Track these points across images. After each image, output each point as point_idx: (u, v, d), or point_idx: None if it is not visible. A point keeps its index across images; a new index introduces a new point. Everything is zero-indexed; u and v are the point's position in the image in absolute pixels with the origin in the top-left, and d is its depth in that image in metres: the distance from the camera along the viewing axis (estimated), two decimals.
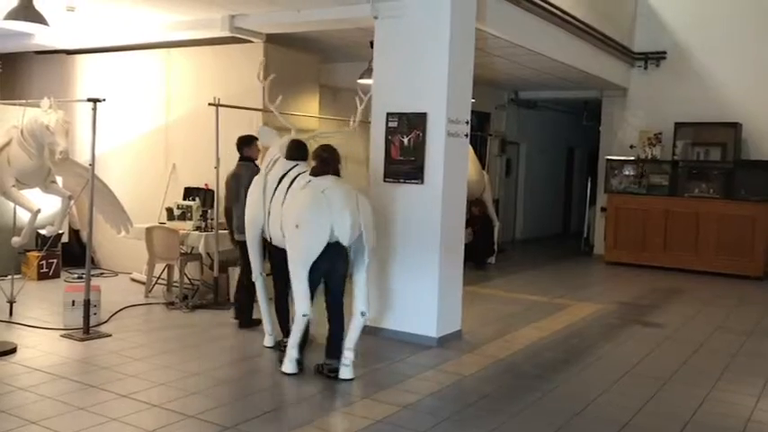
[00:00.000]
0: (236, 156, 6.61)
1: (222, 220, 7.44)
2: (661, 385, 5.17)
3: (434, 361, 5.58)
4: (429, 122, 5.96)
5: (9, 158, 6.47)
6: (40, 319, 6.39)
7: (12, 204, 6.86)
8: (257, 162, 6.44)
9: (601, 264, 11.66)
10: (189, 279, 7.70)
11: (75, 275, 8.39)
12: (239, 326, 6.39)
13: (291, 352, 5.07)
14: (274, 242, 5.33)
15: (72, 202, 6.91)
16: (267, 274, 5.72)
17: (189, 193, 8.11)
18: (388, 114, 6.16)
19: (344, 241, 4.82)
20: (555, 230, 16.02)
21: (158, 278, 7.86)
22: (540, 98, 13.92)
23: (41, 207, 6.70)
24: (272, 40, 7.79)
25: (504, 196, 13.90)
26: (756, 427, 4.45)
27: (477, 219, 10.49)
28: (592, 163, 14.02)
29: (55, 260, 8.36)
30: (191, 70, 8.43)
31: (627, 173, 11.74)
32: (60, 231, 7.84)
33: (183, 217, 7.77)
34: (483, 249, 10.59)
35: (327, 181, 4.94)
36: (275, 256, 5.44)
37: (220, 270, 7.35)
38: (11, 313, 6.41)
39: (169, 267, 7.79)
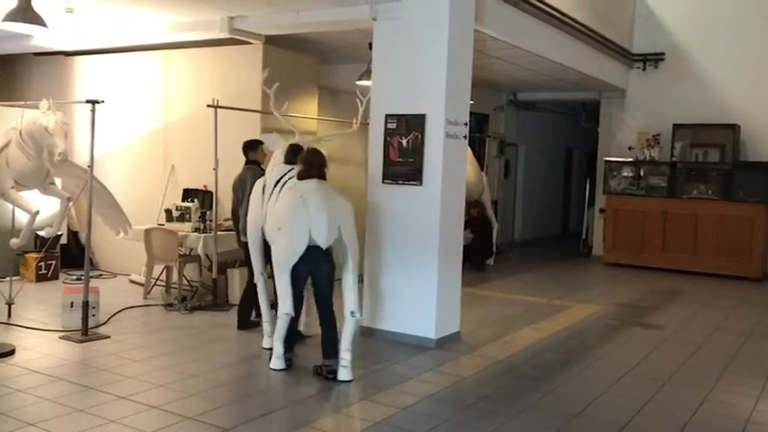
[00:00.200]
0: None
1: (220, 221, 7.48)
2: (660, 386, 5.17)
3: (433, 362, 5.58)
4: (428, 124, 5.96)
5: (8, 160, 6.46)
6: (39, 320, 6.38)
7: (10, 206, 6.85)
8: (263, 165, 6.49)
9: (599, 265, 11.67)
10: (188, 280, 7.70)
11: (74, 277, 8.38)
12: (238, 327, 6.40)
13: (278, 347, 5.17)
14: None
15: (71, 203, 6.90)
16: (269, 276, 5.73)
17: (188, 194, 8.11)
18: (387, 116, 6.16)
19: (321, 243, 4.92)
20: (554, 232, 16.02)
21: (157, 280, 7.85)
22: (539, 100, 13.92)
23: (40, 208, 6.69)
24: (271, 41, 7.79)
25: (503, 198, 13.90)
26: (755, 428, 4.45)
27: (475, 220, 10.50)
28: (590, 164, 14.03)
29: (53, 262, 8.35)
30: (189, 72, 8.43)
31: (625, 174, 11.74)
32: (59, 233, 7.83)
33: (181, 218, 7.79)
34: (482, 251, 10.60)
35: (310, 184, 5.04)
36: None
37: (219, 272, 7.34)
38: (9, 315, 6.40)
39: (168, 269, 7.78)
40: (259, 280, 5.79)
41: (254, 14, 7.26)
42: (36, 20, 5.54)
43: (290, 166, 5.44)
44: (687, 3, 11.75)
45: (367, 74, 7.43)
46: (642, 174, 11.61)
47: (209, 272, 7.44)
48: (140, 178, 8.69)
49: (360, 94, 6.16)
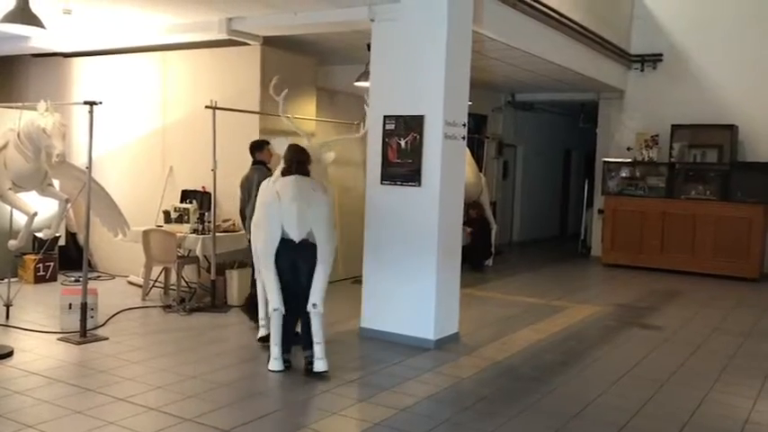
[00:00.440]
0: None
1: (219, 223, 7.48)
2: (659, 387, 5.18)
3: (432, 363, 5.58)
4: (426, 125, 5.96)
5: (5, 161, 6.45)
6: (37, 322, 6.37)
7: (8, 207, 6.85)
8: (269, 165, 6.57)
9: (598, 266, 11.67)
10: (186, 282, 7.70)
11: (72, 278, 8.37)
12: (250, 318, 6.49)
13: (274, 349, 5.20)
14: None
15: (69, 205, 6.89)
16: None
17: (186, 195, 8.11)
18: (385, 117, 6.16)
19: (294, 237, 5.03)
20: (552, 233, 16.02)
21: (155, 281, 7.85)
22: (537, 100, 13.93)
23: (38, 210, 6.68)
24: (268, 42, 7.79)
25: (502, 198, 13.90)
26: (754, 429, 4.45)
27: (474, 221, 10.49)
28: (589, 165, 14.03)
29: (52, 263, 8.34)
30: (187, 73, 8.43)
31: (624, 175, 11.76)
32: (57, 234, 7.81)
33: (180, 220, 7.77)
34: (480, 252, 10.59)
35: (287, 180, 5.18)
36: None
37: (218, 273, 7.33)
38: (7, 316, 6.40)
39: (166, 270, 7.78)
40: (258, 277, 5.82)
41: (251, 16, 7.26)
42: (34, 21, 5.53)
43: None
44: (685, 3, 11.77)
45: (365, 75, 7.44)
46: (640, 174, 11.62)
47: (208, 273, 7.44)
48: (138, 179, 8.69)
49: (367, 98, 6.21)
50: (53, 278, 8.33)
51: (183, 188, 8.21)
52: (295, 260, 5.14)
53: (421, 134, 5.98)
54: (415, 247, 6.05)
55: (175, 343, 5.95)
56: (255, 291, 6.14)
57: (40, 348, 5.61)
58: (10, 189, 6.53)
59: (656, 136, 11.49)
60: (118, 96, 8.62)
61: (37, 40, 8.19)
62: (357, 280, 7.06)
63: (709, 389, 5.19)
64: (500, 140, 13.60)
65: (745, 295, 9.44)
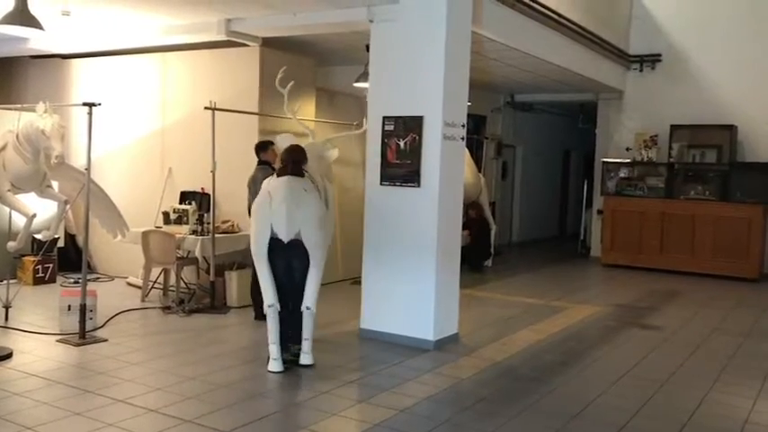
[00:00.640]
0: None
1: (218, 224, 7.48)
2: (659, 387, 5.17)
3: (431, 364, 5.57)
4: (425, 125, 5.96)
5: (4, 163, 6.44)
6: (36, 324, 6.37)
7: (7, 209, 6.84)
8: (274, 165, 6.60)
9: (597, 266, 11.67)
10: (185, 283, 7.69)
11: (72, 280, 8.36)
12: (255, 318, 6.64)
13: (272, 349, 5.20)
14: None
15: (68, 206, 6.88)
16: None
17: (185, 196, 8.10)
18: (385, 117, 6.16)
19: (282, 237, 5.10)
20: (551, 233, 16.03)
21: (155, 282, 7.84)
22: (536, 101, 13.94)
23: (37, 212, 6.68)
24: (268, 43, 7.79)
25: (501, 199, 13.90)
26: (754, 429, 4.45)
27: (473, 222, 10.49)
28: (588, 165, 14.04)
29: (51, 265, 8.34)
30: (187, 74, 8.42)
31: (623, 175, 11.76)
32: (56, 236, 7.80)
33: (179, 221, 7.77)
34: (480, 252, 10.59)
35: (280, 180, 5.25)
36: None
37: (217, 274, 7.33)
38: (6, 318, 6.39)
39: (165, 271, 7.77)
40: None
41: (250, 17, 7.26)
42: (32, 23, 5.52)
43: None
44: (683, 4, 11.77)
45: (364, 76, 7.44)
46: (639, 175, 11.63)
47: (207, 274, 7.43)
48: (137, 181, 8.68)
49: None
50: (52, 280, 8.32)
51: (183, 189, 8.20)
52: (290, 260, 5.22)
53: (420, 135, 5.98)
54: (415, 247, 6.04)
55: (175, 344, 5.94)
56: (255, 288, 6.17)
57: (39, 350, 5.60)
58: (9, 190, 6.53)
59: (656, 136, 11.50)
60: (117, 98, 8.61)
61: (36, 41, 8.18)
62: (356, 281, 7.06)
63: (709, 389, 5.19)
64: (499, 141, 13.60)
65: (745, 295, 9.44)
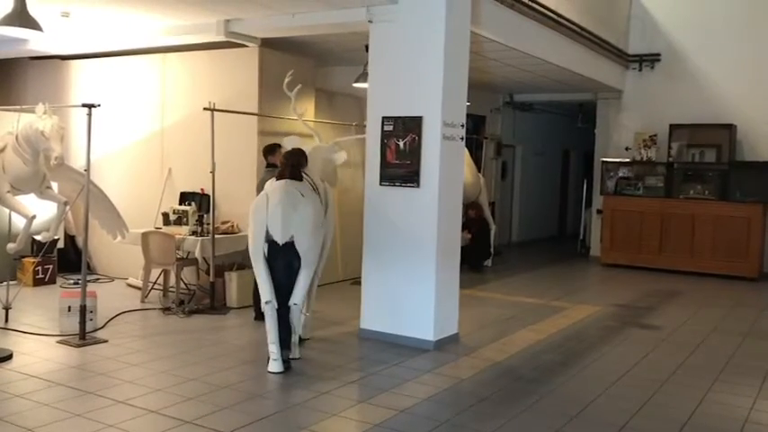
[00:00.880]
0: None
1: (218, 224, 7.48)
2: (658, 387, 5.18)
3: (431, 364, 5.58)
4: (424, 126, 5.97)
5: (4, 164, 6.44)
6: (36, 325, 6.37)
7: (7, 210, 6.84)
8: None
9: (597, 266, 11.67)
10: (185, 284, 7.69)
11: (72, 281, 8.36)
12: (255, 318, 6.66)
13: (272, 348, 5.22)
14: None
15: (67, 207, 6.88)
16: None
17: (185, 197, 8.10)
18: (384, 118, 6.16)
19: (278, 239, 5.15)
20: (551, 233, 16.03)
21: (154, 283, 7.84)
22: (536, 101, 13.94)
23: (37, 213, 6.68)
24: (267, 44, 7.79)
25: (500, 199, 13.91)
26: (754, 428, 4.45)
27: (473, 222, 10.49)
28: (587, 165, 14.04)
29: (51, 266, 8.34)
30: (186, 75, 8.42)
31: (622, 175, 11.76)
32: (56, 237, 7.81)
33: (178, 222, 7.77)
34: (479, 252, 10.60)
35: (279, 184, 5.29)
36: None
37: (217, 275, 7.33)
38: (6, 319, 6.39)
39: (165, 272, 7.77)
40: None
41: (249, 17, 7.25)
42: (32, 24, 5.52)
43: None
44: (682, 3, 11.77)
45: (364, 76, 7.44)
46: (639, 174, 11.63)
47: (207, 275, 7.43)
48: (137, 182, 8.68)
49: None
50: (52, 281, 8.32)
51: (182, 190, 8.21)
52: (290, 260, 5.24)
53: (419, 135, 5.98)
54: (415, 247, 6.05)
55: (175, 345, 5.95)
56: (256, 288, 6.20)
57: (39, 351, 5.60)
58: (8, 192, 6.52)
59: (655, 136, 11.50)
60: (116, 99, 8.62)
61: (35, 42, 8.17)
62: (356, 281, 7.06)
63: (709, 389, 5.19)
64: (498, 141, 13.60)
65: (745, 295, 9.44)
